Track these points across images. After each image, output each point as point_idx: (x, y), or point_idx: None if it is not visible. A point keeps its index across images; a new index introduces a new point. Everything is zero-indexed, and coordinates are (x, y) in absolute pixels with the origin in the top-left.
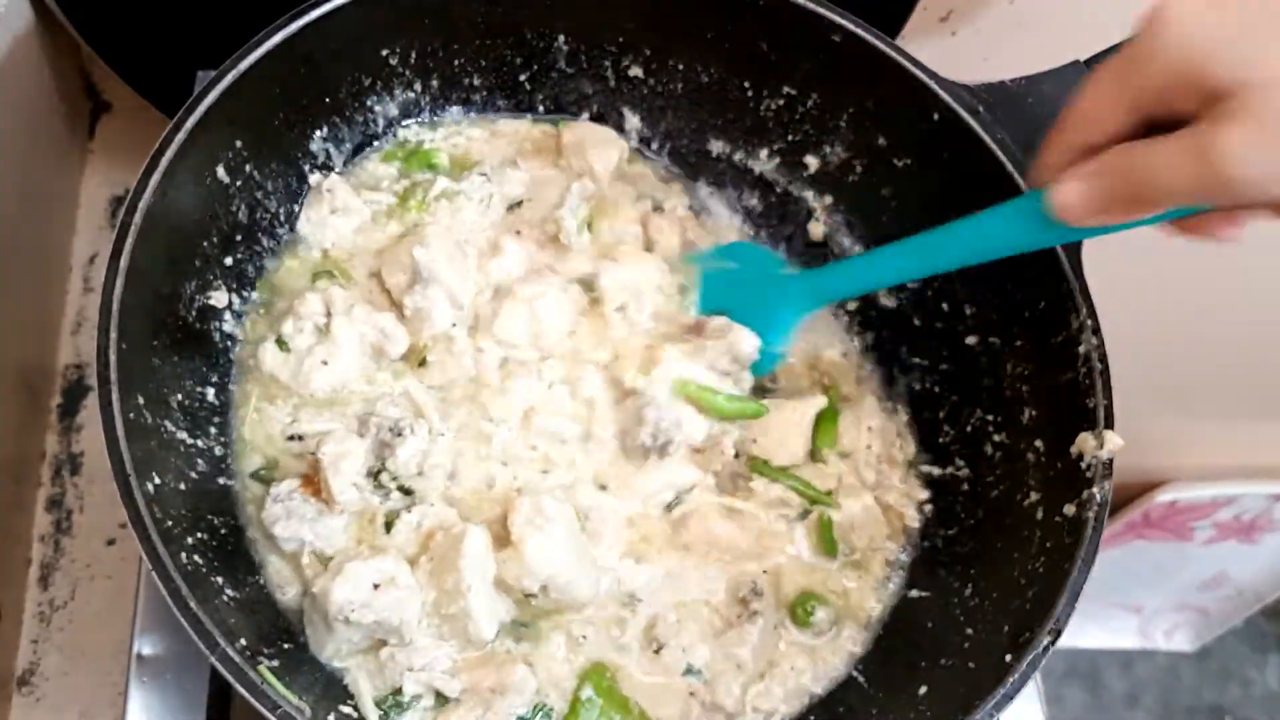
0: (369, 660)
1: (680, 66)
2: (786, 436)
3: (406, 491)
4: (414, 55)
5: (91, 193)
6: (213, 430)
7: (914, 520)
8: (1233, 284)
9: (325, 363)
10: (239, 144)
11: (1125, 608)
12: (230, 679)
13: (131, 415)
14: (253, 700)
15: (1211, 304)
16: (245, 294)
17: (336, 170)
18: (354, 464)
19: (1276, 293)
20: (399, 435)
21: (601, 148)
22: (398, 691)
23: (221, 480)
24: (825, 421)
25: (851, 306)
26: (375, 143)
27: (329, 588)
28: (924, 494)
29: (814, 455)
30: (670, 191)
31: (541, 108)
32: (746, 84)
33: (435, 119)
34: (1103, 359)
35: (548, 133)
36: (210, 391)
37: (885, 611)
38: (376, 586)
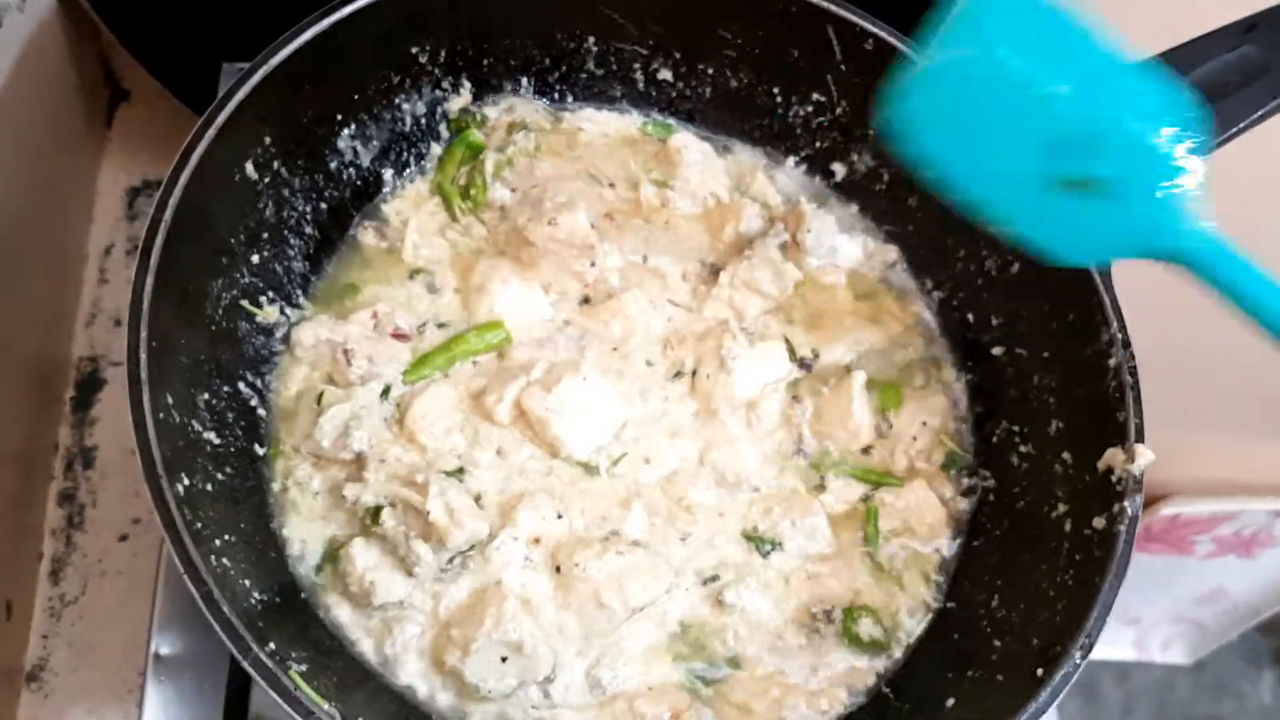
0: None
1: (709, 71)
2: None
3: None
4: (443, 54)
5: (109, 182)
6: (240, 431)
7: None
8: None
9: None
10: (268, 140)
11: (1123, 619)
12: (264, 685)
13: (161, 415)
14: (285, 706)
15: (1217, 319)
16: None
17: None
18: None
19: None
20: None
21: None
22: None
23: (249, 483)
24: (887, 390)
25: None
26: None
27: (459, 668)
28: (960, 498)
29: None
30: None
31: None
32: (775, 90)
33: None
34: (1133, 372)
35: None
36: (238, 390)
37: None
38: (504, 660)
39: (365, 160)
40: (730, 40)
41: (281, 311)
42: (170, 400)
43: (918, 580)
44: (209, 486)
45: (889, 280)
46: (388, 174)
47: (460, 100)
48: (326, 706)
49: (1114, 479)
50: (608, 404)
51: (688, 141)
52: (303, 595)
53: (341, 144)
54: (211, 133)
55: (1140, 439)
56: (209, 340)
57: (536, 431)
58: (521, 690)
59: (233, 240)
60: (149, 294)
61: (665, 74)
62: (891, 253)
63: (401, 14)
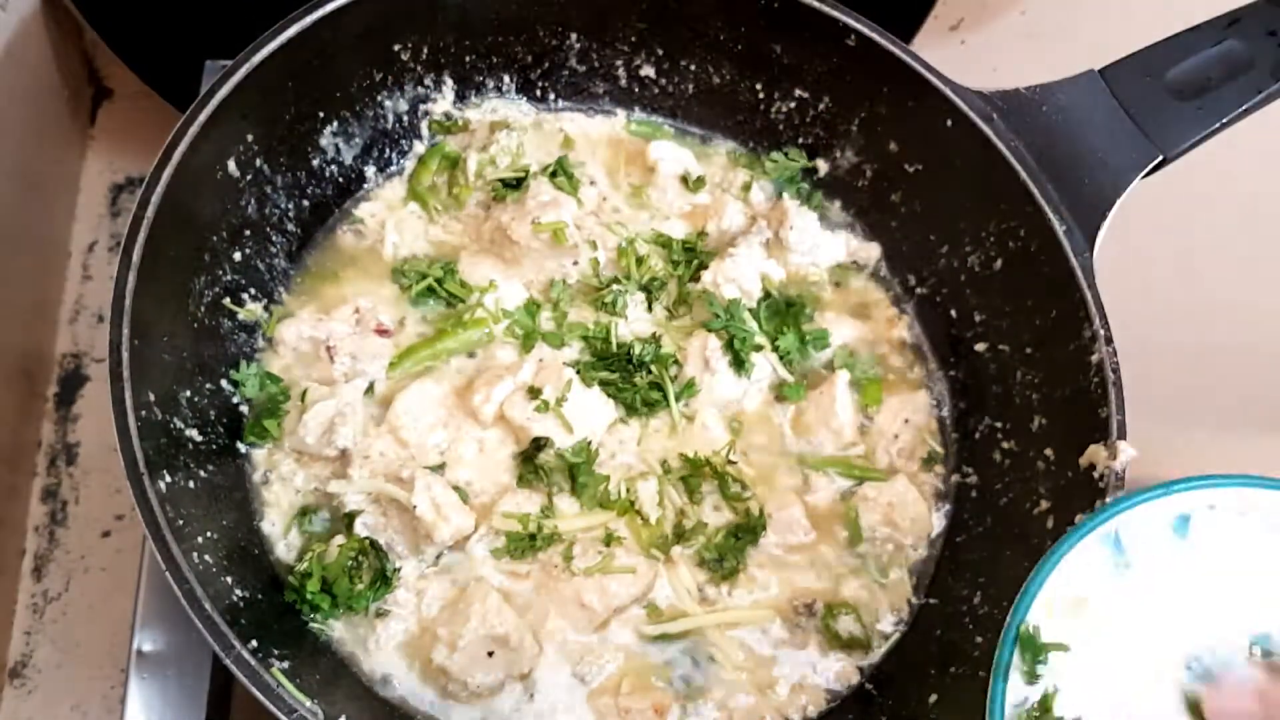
0: None
1: (692, 67)
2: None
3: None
4: (426, 51)
5: (92, 179)
6: (222, 428)
7: (938, 515)
8: (1224, 297)
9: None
10: (250, 138)
11: None
12: (246, 682)
13: (143, 412)
14: (267, 703)
15: (1203, 316)
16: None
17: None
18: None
19: (1267, 306)
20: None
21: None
22: None
23: (231, 480)
24: (869, 387)
25: None
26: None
27: (447, 665)
28: (943, 495)
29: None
30: None
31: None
32: (758, 86)
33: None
34: (1115, 369)
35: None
36: (220, 387)
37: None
38: (491, 655)
39: (348, 158)
40: (713, 36)
41: (264, 308)
42: (152, 397)
43: (900, 575)
44: (191, 484)
45: (872, 277)
46: (370, 171)
47: (443, 101)
48: (309, 704)
49: (1096, 475)
50: (590, 409)
51: (665, 152)
52: (285, 592)
53: (324, 141)
54: (194, 130)
55: (1122, 435)
56: (191, 337)
57: (519, 438)
58: (506, 685)
59: (215, 237)
60: (131, 291)
61: (648, 70)
62: (874, 250)
63: (384, 11)
